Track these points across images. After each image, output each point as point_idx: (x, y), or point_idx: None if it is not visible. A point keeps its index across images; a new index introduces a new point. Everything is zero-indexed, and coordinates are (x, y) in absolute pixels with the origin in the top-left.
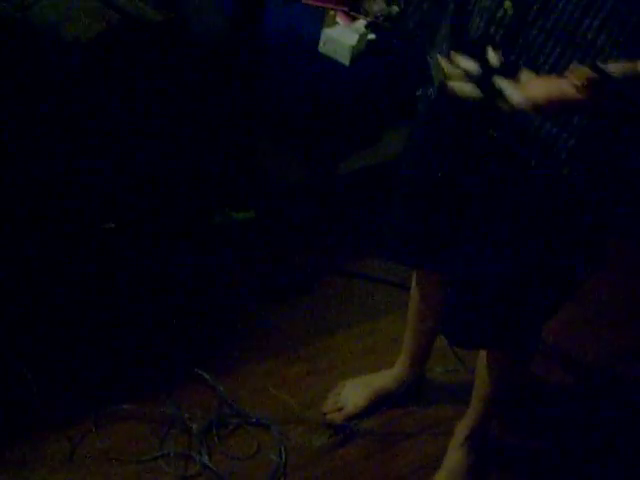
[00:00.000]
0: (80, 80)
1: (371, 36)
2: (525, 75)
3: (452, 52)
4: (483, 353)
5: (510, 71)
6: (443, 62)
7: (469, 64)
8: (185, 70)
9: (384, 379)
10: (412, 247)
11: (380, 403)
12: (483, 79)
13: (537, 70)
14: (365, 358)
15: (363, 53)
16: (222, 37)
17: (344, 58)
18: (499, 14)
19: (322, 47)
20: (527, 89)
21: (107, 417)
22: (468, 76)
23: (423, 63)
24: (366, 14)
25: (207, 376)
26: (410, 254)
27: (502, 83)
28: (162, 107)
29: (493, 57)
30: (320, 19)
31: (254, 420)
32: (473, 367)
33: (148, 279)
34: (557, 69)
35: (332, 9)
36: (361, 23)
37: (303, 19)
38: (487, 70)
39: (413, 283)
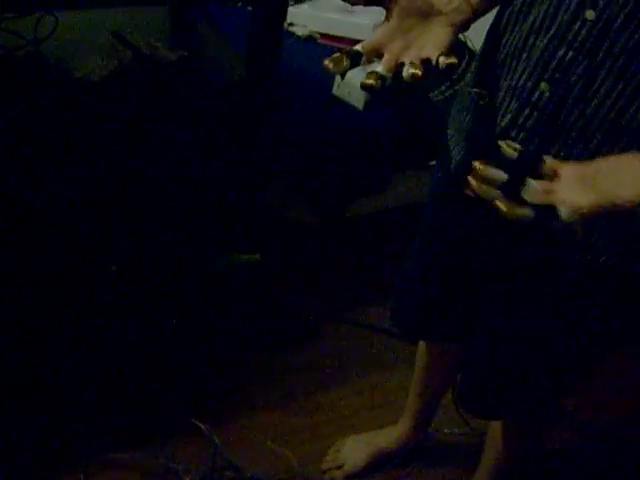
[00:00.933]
0: (90, 118)
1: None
2: (550, 164)
3: (476, 164)
4: (496, 424)
5: (533, 162)
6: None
7: (497, 173)
8: (197, 110)
9: (386, 438)
10: (424, 320)
11: (381, 463)
12: (512, 182)
13: (575, 160)
14: (368, 413)
15: (377, 98)
16: (236, 77)
17: (358, 102)
18: (534, 96)
19: (336, 90)
20: (570, 196)
21: (98, 465)
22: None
23: (442, 136)
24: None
25: (203, 427)
26: (422, 329)
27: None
28: (171, 146)
29: (508, 149)
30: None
31: (249, 475)
32: (482, 430)
33: (147, 323)
34: (596, 157)
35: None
36: (377, 66)
37: (318, 61)
38: (514, 173)
39: (420, 346)
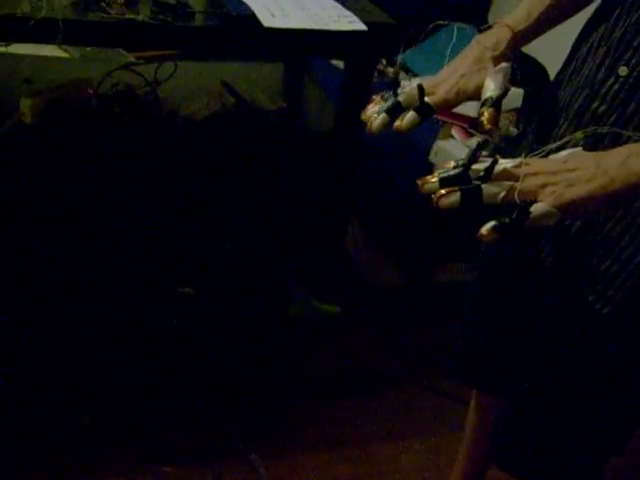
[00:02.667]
0: (190, 153)
1: (483, 153)
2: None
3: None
4: None
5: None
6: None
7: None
8: (290, 157)
9: None
10: (471, 365)
11: None
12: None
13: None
14: (420, 473)
15: None
16: (327, 128)
17: None
18: (570, 145)
19: (432, 157)
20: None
21: (147, 474)
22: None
23: None
24: (483, 132)
25: (253, 457)
26: (468, 372)
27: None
28: (259, 189)
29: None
30: (436, 130)
31: None
32: None
33: (218, 347)
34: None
35: (453, 123)
36: (474, 141)
37: (418, 129)
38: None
39: (470, 408)
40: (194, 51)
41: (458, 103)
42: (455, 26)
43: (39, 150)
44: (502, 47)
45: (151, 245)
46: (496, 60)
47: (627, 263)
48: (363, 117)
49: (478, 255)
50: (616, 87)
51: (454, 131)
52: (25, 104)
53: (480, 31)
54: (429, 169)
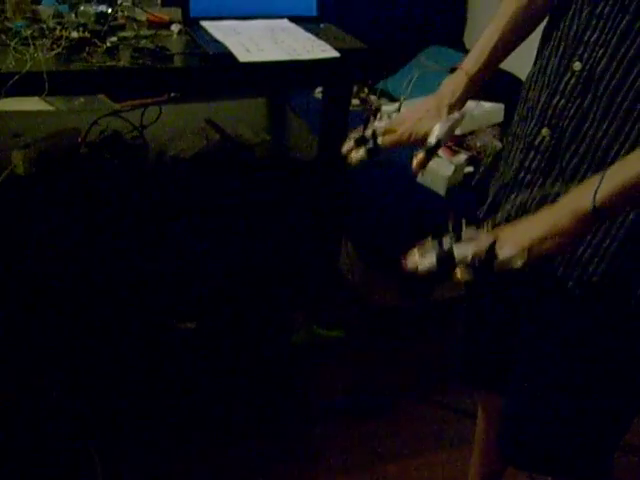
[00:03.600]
0: (181, 190)
1: (468, 169)
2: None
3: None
4: None
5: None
6: None
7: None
8: (276, 187)
9: None
10: (471, 370)
11: None
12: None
13: None
14: None
15: (460, 185)
16: (310, 157)
17: (440, 188)
18: (537, 140)
19: (420, 177)
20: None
21: None
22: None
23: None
24: (468, 148)
25: None
26: (470, 376)
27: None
28: (251, 221)
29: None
30: None
31: None
32: None
33: (224, 380)
34: None
35: None
36: (462, 157)
37: (404, 149)
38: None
39: (479, 412)
40: (176, 91)
41: (410, 144)
42: (434, 48)
43: (33, 199)
44: (458, 94)
45: (148, 284)
46: (452, 107)
47: (598, 248)
48: (343, 152)
49: None
50: (572, 82)
51: (440, 150)
52: (17, 157)
53: (451, 71)
54: (417, 189)
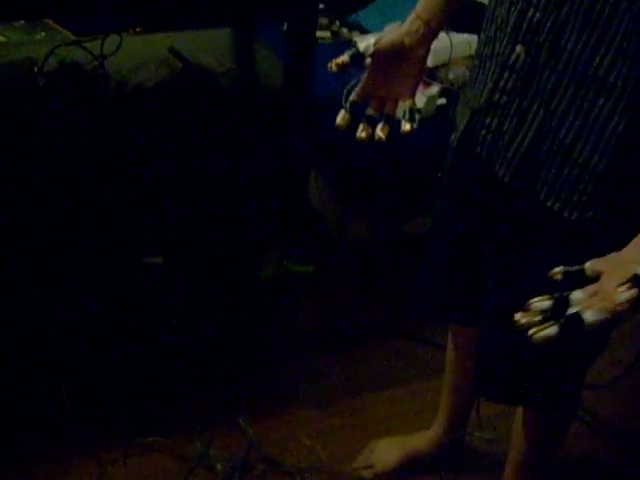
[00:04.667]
0: (144, 121)
1: (441, 101)
2: (591, 270)
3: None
4: (520, 414)
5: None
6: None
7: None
8: (242, 117)
9: (419, 441)
10: (441, 299)
11: (412, 465)
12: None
13: (552, 115)
14: (406, 419)
15: (432, 117)
16: (276, 85)
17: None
18: (512, 59)
19: None
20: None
21: (137, 446)
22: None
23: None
24: (441, 81)
25: (240, 418)
26: (440, 305)
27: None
28: (218, 152)
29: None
30: None
31: (280, 467)
32: None
33: (193, 316)
34: (572, 110)
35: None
36: (434, 89)
37: None
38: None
39: (449, 341)
40: (138, 19)
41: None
42: None
43: None
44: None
45: (111, 218)
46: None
47: (585, 166)
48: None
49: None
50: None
51: None
52: None
53: None
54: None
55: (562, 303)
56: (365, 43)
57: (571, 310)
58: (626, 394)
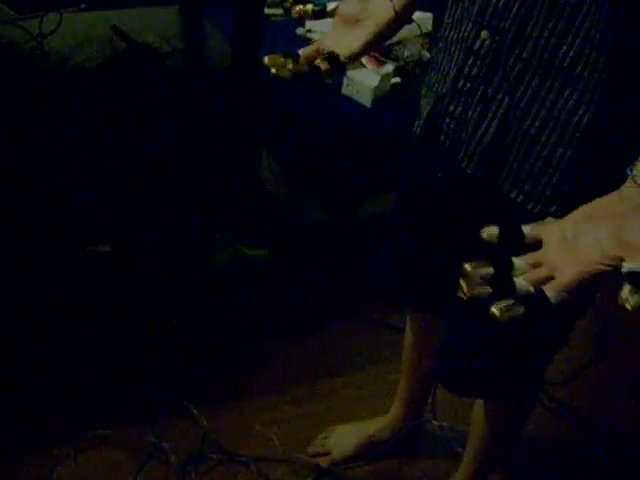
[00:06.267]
0: (85, 103)
1: (395, 80)
2: (530, 234)
3: (466, 266)
4: (479, 403)
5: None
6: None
7: (486, 271)
8: (189, 98)
9: (376, 426)
10: (400, 286)
11: (370, 451)
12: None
13: (517, 104)
14: (363, 404)
15: (386, 96)
16: (224, 64)
17: (365, 99)
18: (477, 45)
19: (345, 89)
20: (557, 279)
21: (89, 441)
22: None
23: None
24: (396, 59)
25: (193, 409)
26: (399, 292)
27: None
28: (164, 134)
29: (491, 237)
30: None
31: (235, 457)
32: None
33: (145, 306)
34: (537, 99)
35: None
36: (389, 67)
37: None
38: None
39: (407, 327)
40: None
41: None
42: None
43: None
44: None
45: (55, 207)
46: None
47: (550, 158)
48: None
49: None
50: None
51: (365, 60)
52: None
53: None
54: (342, 100)
55: (502, 269)
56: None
57: (519, 282)
58: (593, 382)
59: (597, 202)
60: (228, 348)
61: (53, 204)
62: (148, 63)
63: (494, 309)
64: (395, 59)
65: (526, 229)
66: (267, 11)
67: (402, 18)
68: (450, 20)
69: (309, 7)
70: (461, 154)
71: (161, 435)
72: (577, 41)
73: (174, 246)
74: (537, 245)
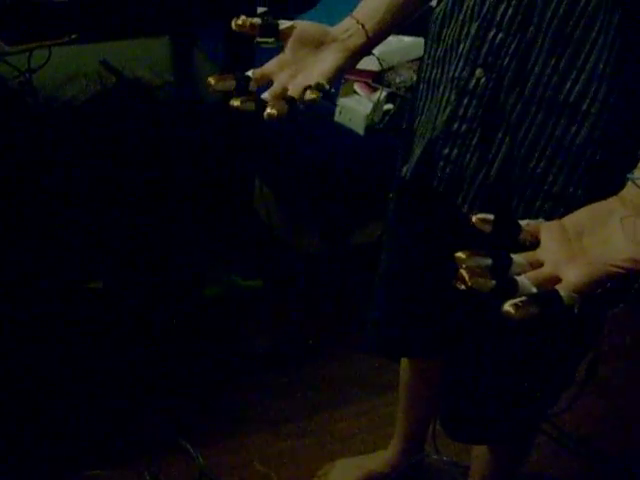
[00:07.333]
0: (73, 140)
1: (388, 106)
2: (528, 229)
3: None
4: None
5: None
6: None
7: (482, 260)
8: (181, 132)
9: (375, 462)
10: (394, 337)
11: None
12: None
13: (520, 143)
14: (360, 438)
15: (379, 123)
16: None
17: (359, 127)
18: (471, 84)
19: (338, 116)
20: (566, 278)
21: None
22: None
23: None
24: (388, 85)
25: (189, 446)
26: (392, 345)
27: (528, 285)
28: (157, 168)
29: (480, 223)
30: (337, 88)
31: None
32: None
33: (140, 342)
34: (542, 138)
35: (354, 80)
36: (381, 94)
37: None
38: (497, 251)
39: (403, 364)
40: (68, 30)
41: None
42: None
43: None
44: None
45: (46, 246)
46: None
47: (560, 197)
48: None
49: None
50: (510, 12)
51: (357, 87)
52: None
53: None
54: (335, 128)
55: (501, 265)
56: (288, 23)
57: (522, 281)
58: (588, 408)
59: (597, 205)
60: (222, 383)
61: (44, 240)
62: (138, 98)
63: (508, 306)
64: (387, 85)
65: (523, 223)
66: (258, 40)
67: (372, 44)
68: (430, 61)
69: (256, 20)
70: (461, 198)
71: (158, 474)
72: (583, 76)
73: (166, 280)
74: (533, 245)
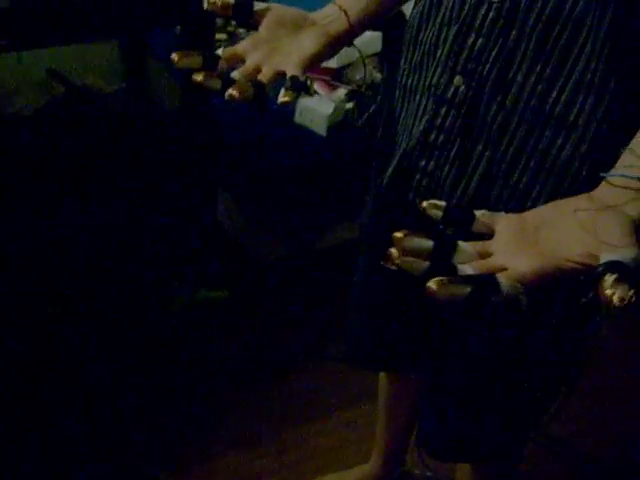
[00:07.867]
0: (21, 155)
1: (349, 105)
2: (482, 219)
3: (396, 234)
4: None
5: (463, 219)
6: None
7: (422, 242)
8: (137, 141)
9: (357, 476)
10: (372, 352)
11: None
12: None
13: (502, 157)
14: (340, 451)
15: (341, 123)
16: (173, 106)
17: (320, 128)
18: (449, 93)
19: (298, 117)
20: (510, 262)
21: None
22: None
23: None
24: (347, 82)
25: (159, 473)
26: (372, 360)
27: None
28: (112, 180)
29: (431, 208)
30: None
31: None
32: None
33: (100, 361)
34: (525, 151)
35: (313, 78)
36: (341, 92)
37: (277, 89)
38: (443, 236)
39: (381, 377)
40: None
41: None
42: None
43: None
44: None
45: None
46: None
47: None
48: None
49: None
50: (492, 15)
51: (317, 86)
52: None
53: None
54: (296, 130)
55: (443, 250)
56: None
57: (462, 269)
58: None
59: (563, 200)
60: (191, 402)
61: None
62: (89, 106)
63: (431, 283)
64: (347, 83)
65: (478, 213)
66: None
67: (354, 33)
68: (407, 66)
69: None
70: None
71: None
72: (569, 85)
73: (129, 295)
74: (486, 236)
